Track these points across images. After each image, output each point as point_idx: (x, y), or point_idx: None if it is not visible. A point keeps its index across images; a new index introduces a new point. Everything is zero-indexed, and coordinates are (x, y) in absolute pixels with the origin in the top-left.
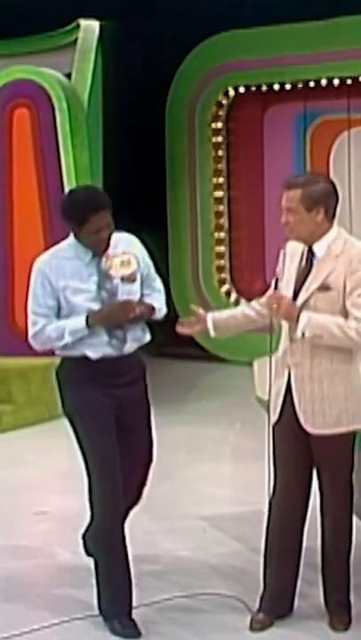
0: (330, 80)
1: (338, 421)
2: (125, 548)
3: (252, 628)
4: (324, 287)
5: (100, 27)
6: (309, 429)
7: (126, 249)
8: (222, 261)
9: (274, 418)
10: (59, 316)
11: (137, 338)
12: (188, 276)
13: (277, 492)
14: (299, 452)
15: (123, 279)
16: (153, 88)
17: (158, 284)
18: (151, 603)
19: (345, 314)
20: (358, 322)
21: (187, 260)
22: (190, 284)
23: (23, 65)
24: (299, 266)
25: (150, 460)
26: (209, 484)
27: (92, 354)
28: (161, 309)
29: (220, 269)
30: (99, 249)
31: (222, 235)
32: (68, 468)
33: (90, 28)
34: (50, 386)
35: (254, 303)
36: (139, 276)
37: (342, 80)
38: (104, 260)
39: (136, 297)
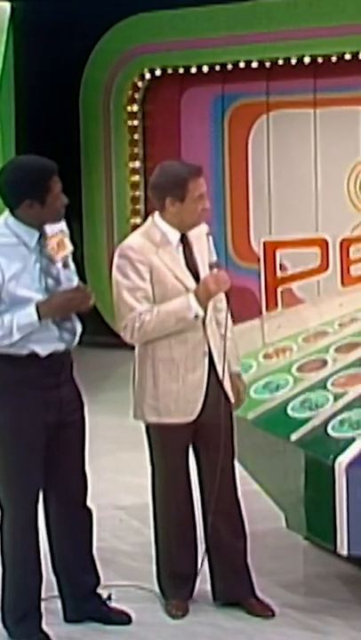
0: (248, 63)
1: None
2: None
3: (173, 616)
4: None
5: (11, 8)
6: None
7: (53, 228)
8: None
9: (196, 412)
10: None
11: (79, 330)
12: (104, 265)
13: (176, 482)
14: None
15: (64, 264)
16: (66, 71)
17: (73, 267)
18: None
19: None
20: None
21: (102, 248)
22: (106, 274)
23: None
24: (176, 254)
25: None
26: (127, 474)
27: (42, 350)
28: None
29: None
30: (60, 216)
31: (139, 221)
32: None
33: (0, 9)
34: None
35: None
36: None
37: (261, 63)
38: (47, 242)
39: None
